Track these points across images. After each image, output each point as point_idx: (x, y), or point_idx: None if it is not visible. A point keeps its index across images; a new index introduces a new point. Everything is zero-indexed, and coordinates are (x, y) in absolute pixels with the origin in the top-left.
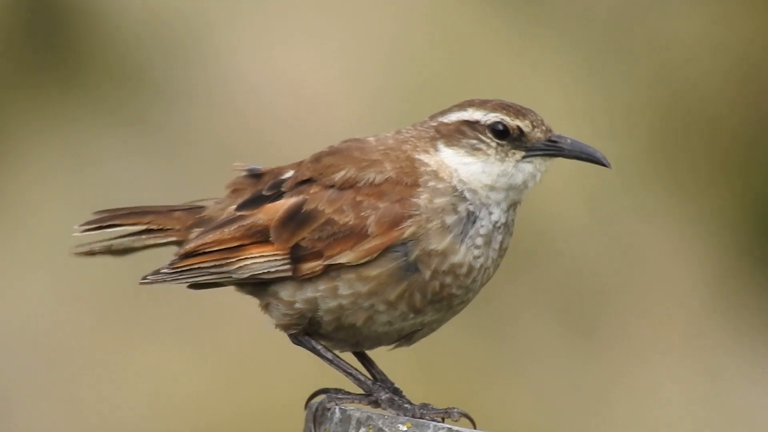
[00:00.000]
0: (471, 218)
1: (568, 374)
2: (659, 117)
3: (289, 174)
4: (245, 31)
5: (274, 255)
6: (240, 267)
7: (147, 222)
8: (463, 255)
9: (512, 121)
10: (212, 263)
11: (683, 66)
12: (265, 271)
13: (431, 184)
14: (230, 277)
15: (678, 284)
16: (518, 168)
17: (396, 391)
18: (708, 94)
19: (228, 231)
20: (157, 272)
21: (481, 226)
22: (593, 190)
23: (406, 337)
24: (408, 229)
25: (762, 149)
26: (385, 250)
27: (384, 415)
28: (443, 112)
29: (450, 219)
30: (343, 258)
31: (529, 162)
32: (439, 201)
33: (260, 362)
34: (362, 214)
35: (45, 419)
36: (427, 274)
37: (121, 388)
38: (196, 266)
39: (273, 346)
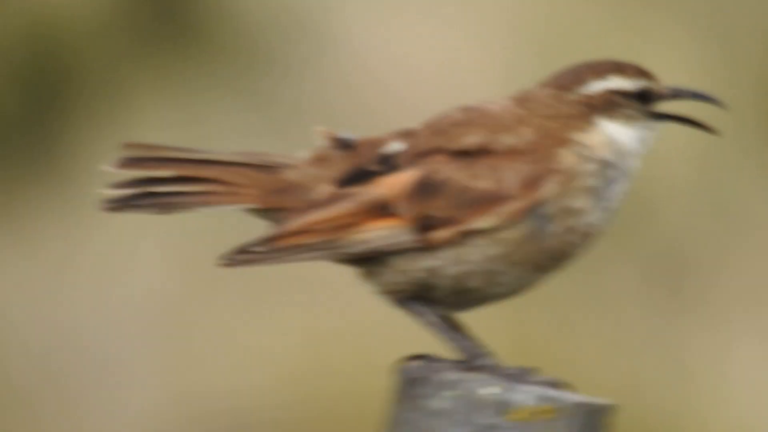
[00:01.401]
0: (611, 183)
1: (648, 330)
2: None
3: (398, 146)
4: (358, 4)
5: (399, 227)
6: (357, 241)
7: (212, 177)
8: (596, 217)
9: (656, 86)
10: (321, 239)
11: None
12: (389, 243)
13: (578, 149)
14: (344, 252)
15: None
16: (651, 132)
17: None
18: None
19: (341, 207)
20: (245, 251)
21: (617, 192)
22: (702, 149)
23: (511, 296)
24: (549, 187)
25: None
26: (525, 211)
27: (475, 378)
28: (574, 82)
29: (593, 182)
30: (482, 223)
31: (654, 125)
32: (586, 166)
33: (350, 324)
34: (501, 176)
35: (153, 392)
36: (560, 233)
37: (228, 359)
38: (301, 244)
39: (361, 308)
